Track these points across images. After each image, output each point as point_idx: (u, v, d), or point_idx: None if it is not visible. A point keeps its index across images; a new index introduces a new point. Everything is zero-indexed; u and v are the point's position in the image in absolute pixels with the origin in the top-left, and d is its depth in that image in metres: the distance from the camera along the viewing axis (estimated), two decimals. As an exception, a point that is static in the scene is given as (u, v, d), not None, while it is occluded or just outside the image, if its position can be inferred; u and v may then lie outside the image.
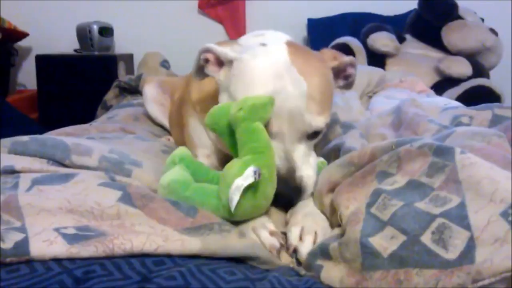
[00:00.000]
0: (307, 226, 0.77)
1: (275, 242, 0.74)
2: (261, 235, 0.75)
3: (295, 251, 0.75)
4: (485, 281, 0.49)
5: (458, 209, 0.57)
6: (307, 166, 0.87)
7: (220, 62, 0.92)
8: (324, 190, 0.81)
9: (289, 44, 0.88)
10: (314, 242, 0.74)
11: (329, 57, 0.95)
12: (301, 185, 0.85)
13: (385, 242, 0.59)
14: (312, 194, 0.86)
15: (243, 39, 0.98)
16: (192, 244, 0.65)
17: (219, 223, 0.72)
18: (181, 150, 0.90)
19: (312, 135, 0.86)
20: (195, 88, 1.10)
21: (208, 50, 0.92)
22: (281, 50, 0.86)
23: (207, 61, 0.93)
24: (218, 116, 0.83)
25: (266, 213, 0.85)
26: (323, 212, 0.83)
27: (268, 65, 0.83)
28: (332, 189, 0.80)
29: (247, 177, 0.73)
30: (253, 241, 0.72)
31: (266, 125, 0.81)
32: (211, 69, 0.93)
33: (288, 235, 0.77)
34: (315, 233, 0.76)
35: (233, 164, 0.78)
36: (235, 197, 0.72)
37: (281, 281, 0.63)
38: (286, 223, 0.83)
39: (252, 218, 0.79)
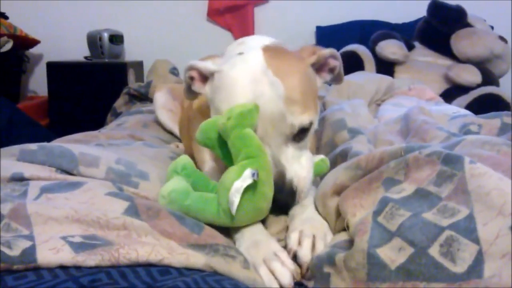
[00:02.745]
0: (305, 230, 0.77)
1: (289, 279, 0.69)
2: (276, 270, 0.70)
3: (295, 256, 0.74)
4: None
5: (467, 221, 0.56)
6: (298, 167, 0.87)
7: (205, 77, 0.95)
8: (328, 192, 0.80)
9: (266, 49, 0.90)
10: (313, 246, 0.74)
11: (308, 53, 0.95)
12: (293, 187, 0.85)
13: (393, 254, 0.58)
14: (305, 191, 0.86)
15: (226, 51, 1.00)
16: (196, 259, 0.66)
17: (224, 246, 0.70)
18: (184, 159, 0.90)
19: (300, 135, 0.86)
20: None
21: (191, 67, 0.95)
22: (257, 56, 0.87)
23: (192, 79, 0.96)
24: (208, 130, 0.85)
25: (265, 222, 0.85)
26: (326, 215, 0.82)
27: (244, 73, 0.85)
28: (337, 192, 0.79)
29: (245, 179, 0.74)
30: (256, 276, 0.69)
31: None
32: (197, 85, 0.96)
33: (287, 241, 0.77)
34: (314, 236, 0.75)
35: (230, 170, 0.79)
36: (236, 199, 0.73)
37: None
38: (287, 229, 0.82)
39: (261, 248, 0.76)
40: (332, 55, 0.98)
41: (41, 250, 0.62)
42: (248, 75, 0.84)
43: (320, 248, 0.74)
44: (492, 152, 0.73)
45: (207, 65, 0.92)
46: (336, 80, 1.03)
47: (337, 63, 0.99)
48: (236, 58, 0.90)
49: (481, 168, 0.61)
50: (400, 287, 0.55)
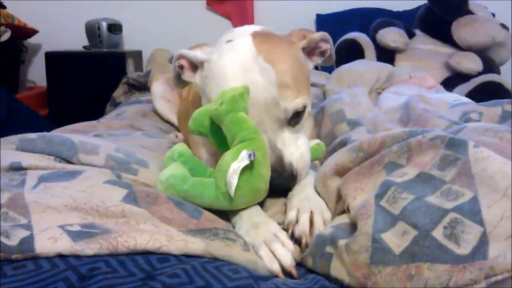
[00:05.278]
0: (303, 207, 0.77)
1: (290, 259, 0.69)
2: (277, 250, 0.70)
3: (293, 234, 0.74)
4: (498, 277, 0.48)
5: (471, 203, 0.56)
6: (295, 149, 0.87)
7: (195, 66, 0.94)
8: (329, 172, 0.80)
9: (255, 35, 0.89)
10: (311, 221, 0.74)
11: (298, 37, 0.95)
12: (293, 171, 0.85)
13: (398, 239, 0.58)
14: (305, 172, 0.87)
15: (217, 41, 0.99)
16: (195, 245, 0.65)
17: (224, 229, 0.71)
18: (181, 146, 0.90)
19: (294, 119, 0.86)
20: (191, 90, 1.12)
21: (181, 56, 0.94)
22: (246, 42, 0.86)
23: (182, 68, 0.95)
24: (201, 118, 0.85)
25: (263, 204, 0.85)
26: (326, 196, 0.82)
27: (234, 60, 0.84)
28: (338, 173, 0.79)
29: (241, 160, 0.74)
30: (257, 258, 0.69)
31: None
32: (187, 74, 0.95)
33: (285, 220, 0.77)
34: (311, 212, 0.76)
35: (227, 153, 0.79)
36: (233, 181, 0.73)
37: (285, 281, 0.62)
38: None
39: (261, 229, 0.75)
40: (323, 38, 0.97)
41: (39, 239, 0.61)
42: (239, 63, 0.84)
43: (319, 223, 0.75)
44: (494, 139, 0.73)
45: (196, 54, 0.92)
46: (327, 61, 1.02)
47: (328, 46, 0.99)
48: (225, 46, 0.89)
49: (485, 152, 0.61)
50: (404, 269, 0.55)
